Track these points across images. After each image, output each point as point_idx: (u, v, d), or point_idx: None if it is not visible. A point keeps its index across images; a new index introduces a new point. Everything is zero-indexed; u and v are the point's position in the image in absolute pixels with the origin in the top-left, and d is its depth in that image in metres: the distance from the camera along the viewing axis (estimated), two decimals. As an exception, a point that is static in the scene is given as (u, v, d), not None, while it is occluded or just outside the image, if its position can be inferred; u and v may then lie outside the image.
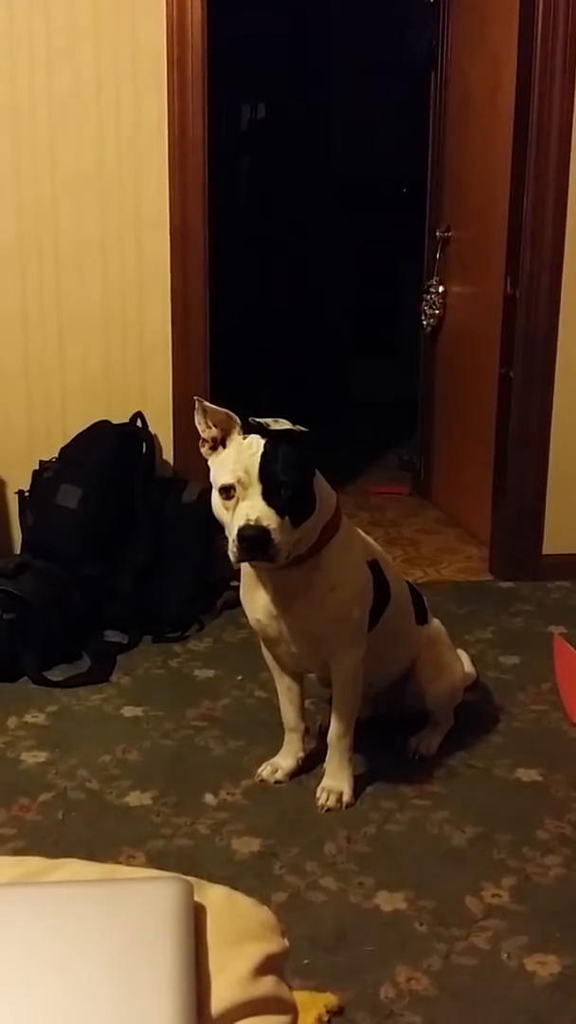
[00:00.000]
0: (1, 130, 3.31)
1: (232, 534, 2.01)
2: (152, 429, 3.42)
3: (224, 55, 3.80)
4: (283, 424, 2.08)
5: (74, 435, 3.36)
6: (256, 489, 1.99)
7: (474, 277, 4.12)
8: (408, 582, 2.59)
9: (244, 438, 2.04)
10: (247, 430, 2.06)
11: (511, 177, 3.55)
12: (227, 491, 2.02)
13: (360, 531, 2.36)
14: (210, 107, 3.37)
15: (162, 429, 3.46)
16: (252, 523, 1.98)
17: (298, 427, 2.10)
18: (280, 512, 2.00)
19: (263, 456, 2.00)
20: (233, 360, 4.94)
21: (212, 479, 2.08)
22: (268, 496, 1.99)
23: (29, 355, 3.47)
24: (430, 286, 4.39)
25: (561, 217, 3.47)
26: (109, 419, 3.39)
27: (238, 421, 2.06)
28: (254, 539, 1.98)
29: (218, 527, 2.12)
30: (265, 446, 2.01)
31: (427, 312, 4.43)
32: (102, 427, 3.36)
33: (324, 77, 6.41)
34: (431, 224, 4.47)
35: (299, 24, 6.40)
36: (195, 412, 2.09)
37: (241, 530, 1.99)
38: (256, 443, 2.02)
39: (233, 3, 4.50)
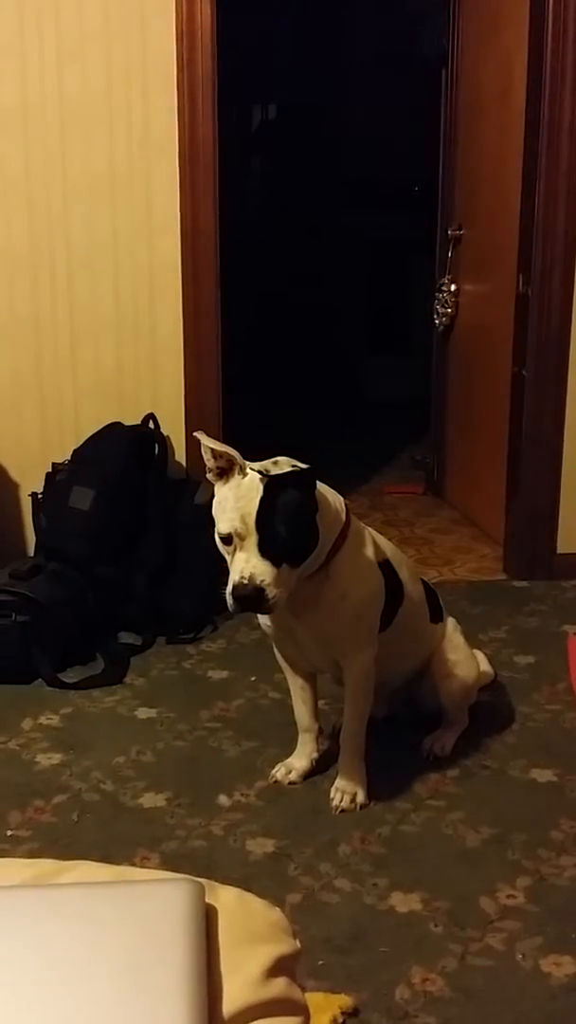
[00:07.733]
0: (12, 133, 3.33)
1: (228, 586, 1.99)
2: (164, 431, 3.42)
3: (234, 56, 3.80)
4: (282, 466, 2.04)
5: (87, 437, 3.36)
6: (252, 540, 1.96)
7: (486, 276, 4.11)
8: (423, 580, 2.59)
9: (244, 477, 2.00)
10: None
11: (522, 175, 3.54)
12: (226, 540, 2.00)
13: (371, 531, 2.34)
14: (220, 109, 3.38)
15: (174, 431, 3.47)
16: (246, 581, 1.96)
17: (298, 465, 2.05)
18: (277, 562, 1.97)
19: (260, 504, 1.96)
20: (245, 361, 4.95)
21: (214, 515, 2.05)
22: (264, 547, 1.96)
23: (41, 358, 3.48)
24: (442, 285, 4.38)
25: (573, 215, 3.45)
26: (121, 421, 3.40)
27: (237, 458, 2.02)
28: (247, 598, 1.97)
29: None
30: (264, 491, 1.97)
31: (439, 311, 4.42)
32: (114, 429, 3.37)
33: (334, 77, 6.41)
34: (443, 223, 4.47)
35: (309, 24, 6.41)
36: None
37: (235, 588, 1.97)
38: (254, 487, 1.98)
39: (242, 4, 4.51)
